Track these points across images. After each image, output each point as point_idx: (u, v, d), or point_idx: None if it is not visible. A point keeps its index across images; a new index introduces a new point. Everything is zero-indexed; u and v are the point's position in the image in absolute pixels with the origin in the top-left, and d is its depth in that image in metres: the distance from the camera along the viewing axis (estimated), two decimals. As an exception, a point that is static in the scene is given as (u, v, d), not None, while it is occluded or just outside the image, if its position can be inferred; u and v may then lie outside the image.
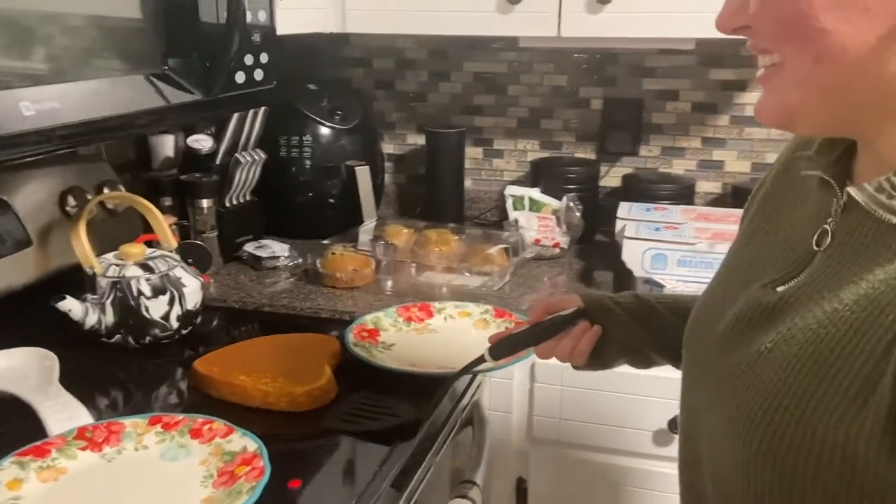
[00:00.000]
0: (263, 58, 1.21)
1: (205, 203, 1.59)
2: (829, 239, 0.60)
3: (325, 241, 1.63)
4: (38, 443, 0.94)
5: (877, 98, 0.55)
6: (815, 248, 0.61)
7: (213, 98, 1.12)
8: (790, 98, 0.57)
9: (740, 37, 0.59)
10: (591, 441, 1.39)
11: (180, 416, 1.00)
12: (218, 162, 1.64)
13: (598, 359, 0.96)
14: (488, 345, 0.98)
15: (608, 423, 1.37)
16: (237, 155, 1.63)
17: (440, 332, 1.33)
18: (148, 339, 1.26)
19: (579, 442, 1.40)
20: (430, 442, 1.08)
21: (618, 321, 0.94)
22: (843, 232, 0.59)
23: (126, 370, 1.24)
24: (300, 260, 1.68)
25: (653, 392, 1.32)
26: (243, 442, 0.95)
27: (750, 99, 1.86)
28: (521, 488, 1.45)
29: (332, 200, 1.85)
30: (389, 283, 1.57)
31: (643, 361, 0.97)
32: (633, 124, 1.93)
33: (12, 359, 1.16)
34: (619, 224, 1.60)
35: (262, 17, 1.20)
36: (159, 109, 1.02)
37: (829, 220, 0.61)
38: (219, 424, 0.98)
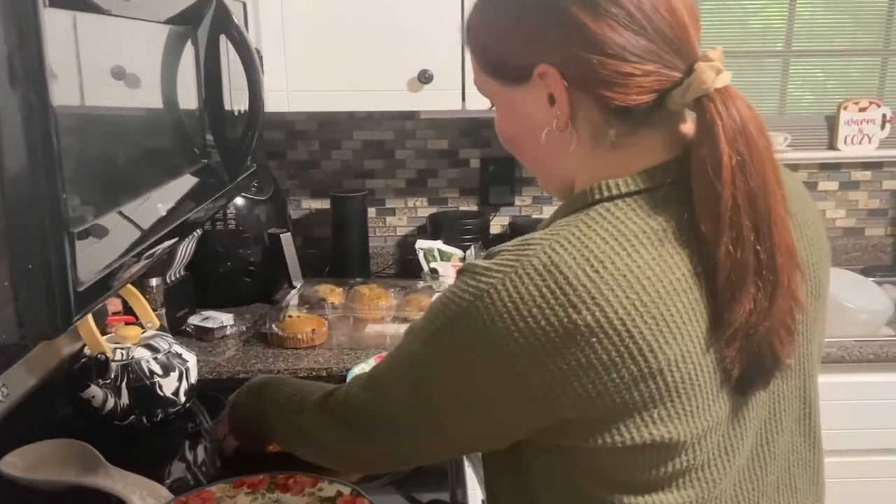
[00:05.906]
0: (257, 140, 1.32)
1: (154, 281, 1.62)
2: None
3: (283, 305, 1.74)
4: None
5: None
6: None
7: (235, 184, 1.22)
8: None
9: None
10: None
11: (259, 476, 1.10)
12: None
13: None
14: None
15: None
16: (179, 232, 1.68)
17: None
18: (160, 416, 1.31)
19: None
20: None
21: None
22: None
23: (151, 448, 1.27)
24: (243, 327, 1.76)
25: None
26: (334, 487, 1.07)
27: (600, 152, 2.23)
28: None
29: (251, 268, 1.94)
30: (343, 338, 1.71)
31: None
32: (509, 178, 2.23)
33: (39, 452, 1.16)
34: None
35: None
36: (212, 202, 1.11)
37: None
38: (300, 476, 1.09)
